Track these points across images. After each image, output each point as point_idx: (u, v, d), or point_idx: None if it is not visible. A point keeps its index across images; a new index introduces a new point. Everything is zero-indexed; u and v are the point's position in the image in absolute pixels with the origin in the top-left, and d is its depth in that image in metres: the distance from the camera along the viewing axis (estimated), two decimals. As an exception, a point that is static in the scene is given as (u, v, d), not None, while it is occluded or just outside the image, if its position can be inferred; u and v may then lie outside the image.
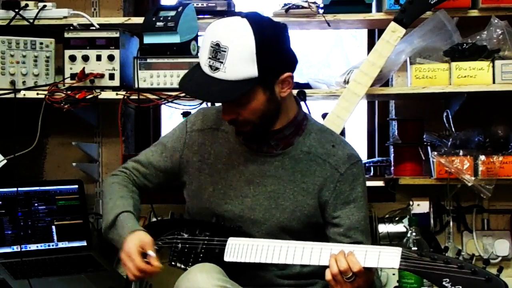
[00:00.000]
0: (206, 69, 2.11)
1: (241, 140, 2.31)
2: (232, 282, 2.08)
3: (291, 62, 2.22)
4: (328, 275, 2.00)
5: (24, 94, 2.95)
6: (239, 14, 2.16)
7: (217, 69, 2.09)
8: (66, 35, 2.99)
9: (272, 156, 2.28)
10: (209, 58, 2.09)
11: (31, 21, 3.05)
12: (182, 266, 2.24)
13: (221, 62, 2.08)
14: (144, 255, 2.13)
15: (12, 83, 2.96)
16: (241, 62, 2.08)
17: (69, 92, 2.92)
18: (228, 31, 2.10)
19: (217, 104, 2.83)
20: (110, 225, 2.27)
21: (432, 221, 3.14)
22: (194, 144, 2.37)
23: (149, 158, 2.42)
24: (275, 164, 2.27)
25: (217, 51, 2.08)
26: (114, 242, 2.27)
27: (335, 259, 1.99)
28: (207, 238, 2.27)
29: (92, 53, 2.95)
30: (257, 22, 2.12)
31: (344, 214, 2.25)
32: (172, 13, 2.94)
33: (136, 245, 2.14)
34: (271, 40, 2.13)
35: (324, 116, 2.87)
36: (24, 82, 2.99)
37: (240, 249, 2.16)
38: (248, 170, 2.29)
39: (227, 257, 2.17)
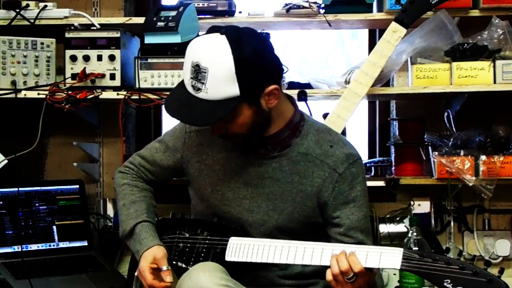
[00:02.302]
0: (190, 89, 2.11)
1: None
2: (235, 281, 2.09)
3: (275, 73, 2.19)
4: (329, 275, 2.01)
5: (25, 94, 2.95)
6: (219, 30, 2.12)
7: (199, 89, 2.08)
8: (67, 35, 2.99)
9: (269, 158, 2.27)
10: (191, 78, 2.09)
11: (32, 21, 3.05)
12: (183, 266, 2.25)
13: (203, 83, 2.07)
14: (158, 269, 2.20)
15: (13, 83, 2.96)
16: (221, 83, 2.06)
17: (70, 92, 2.92)
18: (207, 51, 2.08)
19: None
20: (127, 235, 2.33)
21: (433, 221, 3.13)
22: (193, 144, 2.37)
23: (153, 155, 2.44)
24: (272, 166, 2.27)
25: (197, 72, 2.07)
26: (133, 252, 2.33)
27: (336, 259, 1.99)
28: (208, 237, 2.28)
29: (93, 53, 2.95)
30: (236, 39, 2.08)
31: (344, 214, 2.24)
32: (173, 13, 2.93)
33: (149, 262, 2.21)
34: (251, 57, 2.09)
35: (325, 116, 2.86)
36: (25, 82, 2.99)
37: (242, 249, 2.16)
38: (246, 172, 2.29)
39: (229, 257, 2.17)
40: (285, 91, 2.32)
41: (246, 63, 2.08)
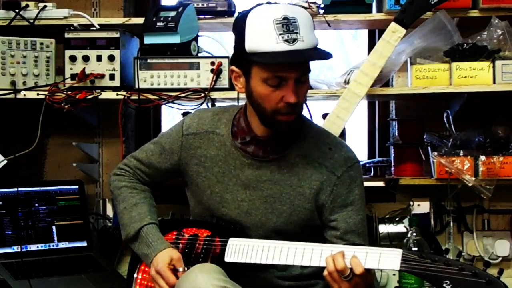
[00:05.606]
0: (282, 47, 2.08)
1: (237, 143, 2.30)
2: (233, 282, 2.09)
3: None
4: (324, 272, 2.01)
5: (25, 95, 2.95)
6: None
7: (295, 40, 2.08)
8: (66, 35, 2.99)
9: (268, 161, 2.27)
10: (282, 33, 2.07)
11: (32, 21, 3.05)
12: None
13: (297, 32, 2.08)
14: (174, 270, 2.20)
15: (13, 83, 2.96)
16: (310, 30, 2.13)
17: (69, 92, 2.92)
18: (285, 6, 2.13)
19: (218, 104, 2.84)
20: (132, 238, 2.31)
21: (432, 221, 3.12)
22: (191, 147, 2.37)
23: (149, 158, 2.43)
24: (271, 168, 2.27)
25: (288, 24, 2.08)
26: (138, 255, 2.32)
27: (332, 258, 1.99)
28: (207, 238, 2.27)
29: (92, 54, 2.96)
30: None
31: (341, 218, 2.24)
32: (173, 13, 2.94)
33: (166, 263, 2.20)
34: None
35: (324, 116, 2.87)
36: (24, 83, 2.99)
37: (241, 250, 2.16)
38: (244, 175, 2.28)
39: (228, 258, 2.17)
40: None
41: None
